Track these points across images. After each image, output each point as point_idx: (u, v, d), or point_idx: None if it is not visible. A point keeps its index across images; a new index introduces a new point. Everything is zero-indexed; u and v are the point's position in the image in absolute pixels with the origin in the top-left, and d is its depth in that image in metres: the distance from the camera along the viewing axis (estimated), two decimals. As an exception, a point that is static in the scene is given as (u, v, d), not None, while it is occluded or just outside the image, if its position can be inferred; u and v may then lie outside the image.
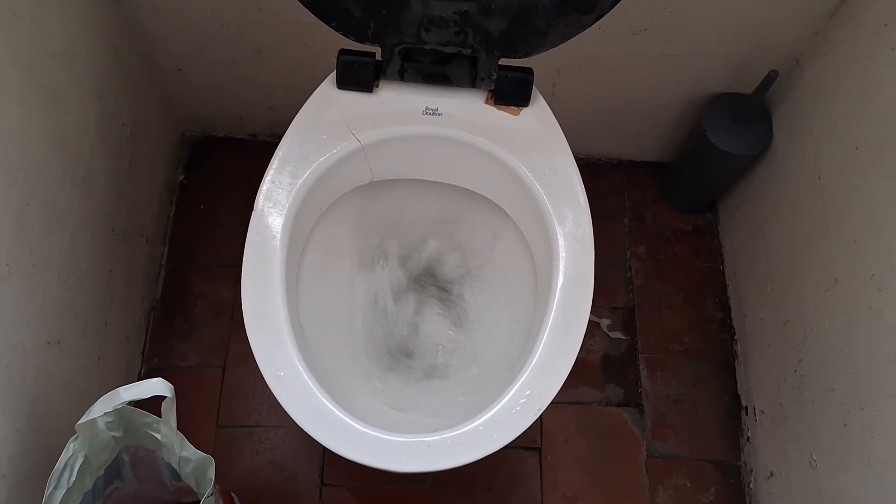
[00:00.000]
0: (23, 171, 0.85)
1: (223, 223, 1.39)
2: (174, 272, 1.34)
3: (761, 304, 1.26)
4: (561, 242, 0.86)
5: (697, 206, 1.45)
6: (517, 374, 0.81)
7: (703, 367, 1.34)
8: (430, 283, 1.11)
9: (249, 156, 1.44)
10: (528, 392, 0.80)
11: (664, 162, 1.49)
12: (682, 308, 1.38)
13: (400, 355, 1.07)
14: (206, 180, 1.42)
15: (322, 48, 1.12)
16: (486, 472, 1.24)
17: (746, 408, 1.28)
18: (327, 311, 1.00)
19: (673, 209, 1.46)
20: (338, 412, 0.76)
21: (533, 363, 0.81)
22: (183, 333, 1.29)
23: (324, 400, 0.77)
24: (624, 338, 1.35)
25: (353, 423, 0.76)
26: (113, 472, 0.89)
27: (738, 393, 1.31)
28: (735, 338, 1.35)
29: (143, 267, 1.26)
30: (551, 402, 1.13)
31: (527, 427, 0.79)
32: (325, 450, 1.22)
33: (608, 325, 1.35)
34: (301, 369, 0.78)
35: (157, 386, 0.76)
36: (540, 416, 1.23)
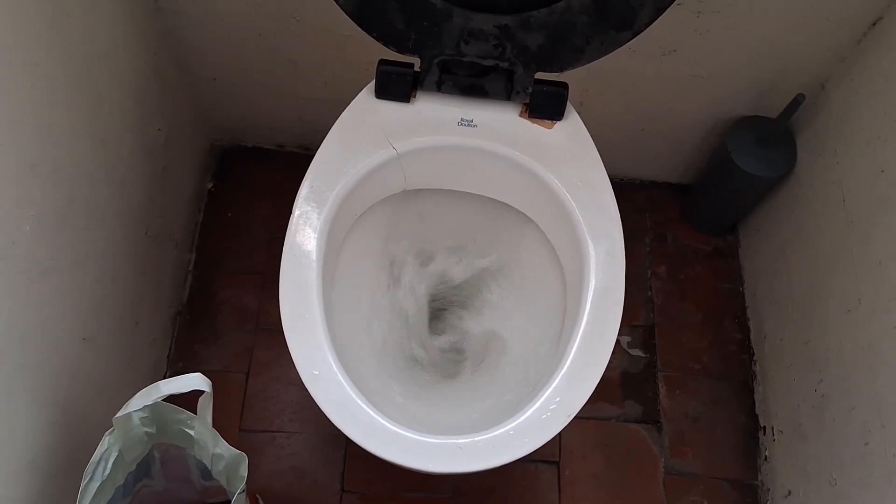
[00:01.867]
0: (69, 168, 0.87)
1: (249, 231, 1.41)
2: (200, 278, 1.36)
3: (782, 324, 1.27)
4: (592, 254, 0.88)
5: (719, 228, 1.46)
6: (547, 381, 0.82)
7: (722, 387, 1.34)
8: (458, 290, 1.12)
9: (277, 166, 1.46)
10: (558, 399, 0.81)
11: (686, 184, 1.50)
12: (702, 328, 1.39)
13: (427, 361, 1.08)
14: (234, 189, 1.44)
15: (356, 60, 1.15)
16: (504, 483, 1.24)
17: (764, 427, 1.29)
18: (359, 316, 1.01)
19: (694, 230, 1.47)
20: (372, 412, 0.77)
21: (563, 371, 0.82)
22: (207, 339, 1.31)
23: (358, 400, 0.78)
24: (643, 356, 1.36)
25: (386, 423, 0.77)
26: (143, 468, 0.90)
27: (757, 413, 1.32)
28: (754, 358, 1.36)
29: (171, 271, 1.28)
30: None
31: (556, 433, 0.80)
32: (345, 456, 1.23)
33: (628, 343, 1.36)
34: (336, 369, 0.79)
35: (196, 381, 0.78)
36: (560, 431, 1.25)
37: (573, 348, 0.83)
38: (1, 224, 0.73)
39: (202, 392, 0.81)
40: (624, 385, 1.33)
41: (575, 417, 1.21)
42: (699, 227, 1.47)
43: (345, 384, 0.79)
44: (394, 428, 0.77)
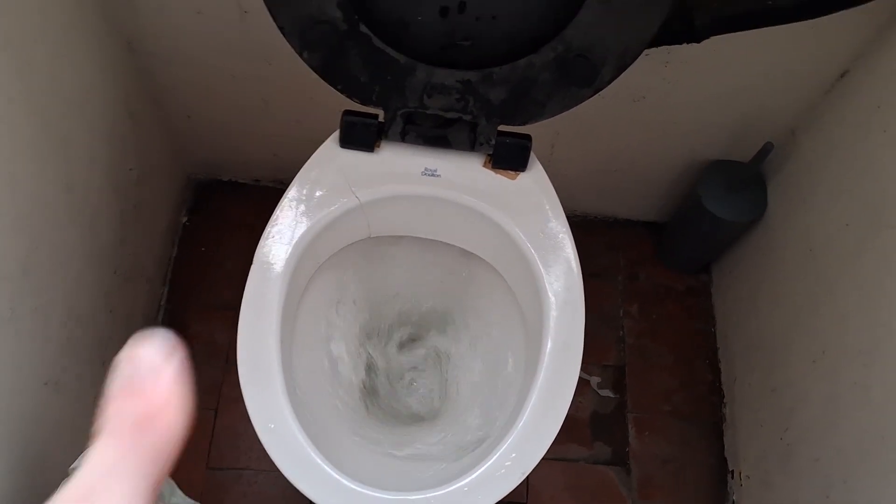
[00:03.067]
0: (32, 216, 0.87)
1: (223, 266, 1.41)
2: (172, 312, 1.36)
3: (751, 369, 1.27)
4: (552, 307, 0.88)
5: (691, 267, 1.47)
6: (503, 437, 0.82)
7: (692, 429, 1.35)
8: (420, 338, 1.13)
9: (253, 200, 1.47)
10: (513, 455, 0.81)
11: (660, 222, 1.51)
12: (673, 368, 1.40)
13: (390, 411, 1.08)
14: (209, 223, 1.45)
15: (327, 101, 1.14)
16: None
17: (733, 472, 1.29)
18: (320, 365, 1.01)
19: (667, 269, 1.48)
20: (325, 466, 0.78)
21: (519, 427, 0.82)
22: (177, 374, 1.30)
23: (312, 454, 0.78)
24: (613, 396, 1.36)
25: (340, 478, 0.77)
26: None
27: (725, 456, 1.32)
28: (724, 401, 1.36)
29: (142, 307, 1.28)
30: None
31: (511, 490, 0.80)
32: (312, 497, 1.23)
33: (598, 383, 1.36)
34: (292, 422, 0.80)
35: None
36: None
37: (529, 404, 0.83)
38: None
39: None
40: (594, 426, 1.33)
41: (544, 458, 1.21)
42: (672, 266, 1.48)
43: (300, 437, 0.79)
44: (346, 483, 0.77)
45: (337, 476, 0.77)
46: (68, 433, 0.99)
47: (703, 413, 1.36)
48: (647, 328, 1.42)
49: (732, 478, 1.28)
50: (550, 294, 0.89)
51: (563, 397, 0.84)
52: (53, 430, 0.96)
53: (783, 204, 1.21)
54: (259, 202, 1.45)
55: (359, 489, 0.77)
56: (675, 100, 1.15)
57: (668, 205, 1.45)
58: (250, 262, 1.38)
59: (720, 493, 1.30)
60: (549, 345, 0.86)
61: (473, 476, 0.79)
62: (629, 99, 1.15)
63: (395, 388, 1.13)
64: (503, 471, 0.80)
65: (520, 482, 0.80)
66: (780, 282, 1.20)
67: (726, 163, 1.28)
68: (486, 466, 0.80)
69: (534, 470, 1.27)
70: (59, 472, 0.84)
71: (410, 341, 1.13)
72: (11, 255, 0.83)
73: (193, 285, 1.39)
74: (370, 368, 1.08)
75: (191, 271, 1.40)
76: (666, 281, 1.47)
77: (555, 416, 0.83)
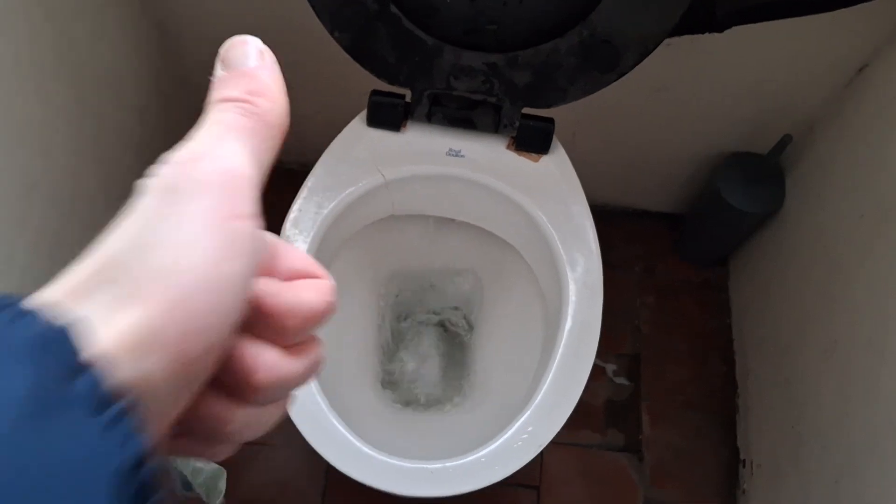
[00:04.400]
0: (67, 188, 0.90)
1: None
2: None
3: (764, 361, 1.28)
4: (571, 287, 0.90)
5: (709, 260, 1.48)
6: (521, 411, 0.84)
7: (705, 419, 1.36)
8: (439, 317, 1.15)
9: (273, 181, 1.47)
10: (530, 429, 0.83)
11: (677, 213, 1.52)
12: (688, 359, 1.41)
13: (405, 387, 1.10)
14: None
15: (354, 85, 1.17)
16: (480, 500, 1.26)
17: (744, 461, 1.30)
18: (341, 339, 1.03)
19: (684, 261, 1.49)
20: (346, 433, 0.80)
21: (536, 402, 0.84)
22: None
23: (333, 420, 0.80)
24: (628, 384, 1.37)
25: (360, 445, 0.79)
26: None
27: (738, 446, 1.33)
28: (738, 392, 1.37)
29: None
30: (552, 442, 1.17)
31: (526, 462, 0.82)
32: (328, 472, 1.25)
33: (613, 371, 1.38)
34: (314, 389, 0.82)
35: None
36: (541, 456, 1.27)
37: (548, 380, 0.85)
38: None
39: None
40: (608, 413, 1.35)
41: (558, 443, 1.23)
42: (689, 258, 1.49)
43: (321, 402, 0.81)
44: (366, 450, 0.79)
45: (357, 442, 0.79)
46: None
47: (717, 404, 1.37)
48: (663, 319, 1.44)
49: (744, 467, 1.30)
50: (570, 274, 0.91)
51: (579, 376, 0.86)
52: None
53: (800, 197, 1.22)
54: (280, 183, 1.46)
55: (378, 456, 0.79)
56: (695, 90, 1.17)
57: (686, 197, 1.47)
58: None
59: (731, 482, 1.31)
60: (567, 324, 0.88)
61: (491, 447, 0.81)
62: (650, 88, 1.17)
63: (411, 367, 1.15)
64: (520, 443, 0.82)
65: (535, 455, 0.82)
66: (794, 274, 1.21)
67: (745, 155, 1.29)
68: (503, 439, 0.82)
69: (547, 454, 1.29)
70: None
71: (429, 320, 1.15)
72: (48, 225, 0.86)
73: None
74: (388, 346, 1.10)
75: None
76: (683, 273, 1.49)
77: (571, 394, 0.85)
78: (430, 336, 1.17)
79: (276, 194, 1.45)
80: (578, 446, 1.32)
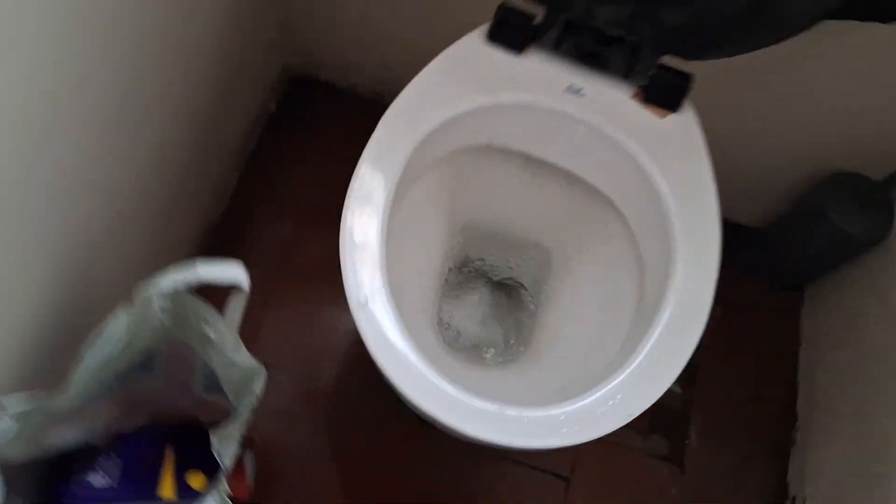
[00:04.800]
0: (148, 39, 0.82)
1: (300, 165, 1.35)
2: (241, 197, 1.31)
3: (838, 395, 1.19)
4: (682, 258, 0.81)
5: (784, 282, 1.38)
6: (611, 375, 0.75)
7: (756, 446, 1.26)
8: (522, 264, 1.05)
9: (344, 106, 1.40)
10: (619, 396, 0.74)
11: (757, 227, 1.42)
12: (748, 380, 1.31)
13: (471, 341, 1.01)
14: (296, 119, 1.39)
15: (460, 12, 1.09)
16: (505, 485, 1.17)
17: (794, 498, 1.20)
18: (408, 264, 0.94)
19: (755, 277, 1.39)
20: (418, 358, 0.71)
21: (633, 367, 0.75)
22: (233, 258, 1.25)
23: (404, 341, 0.72)
24: (681, 392, 1.28)
25: (432, 374, 0.70)
26: (145, 363, 0.83)
27: (787, 481, 1.23)
28: (797, 424, 1.27)
29: (214, 180, 1.22)
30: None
31: (610, 431, 0.72)
32: (339, 416, 1.16)
33: (668, 375, 1.28)
34: (386, 302, 0.73)
35: (237, 272, 0.71)
36: (576, 447, 1.18)
37: (647, 346, 0.76)
38: (77, 61, 0.68)
39: (231, 291, 0.75)
40: (655, 417, 1.25)
41: (597, 440, 1.13)
42: (763, 276, 1.39)
43: (394, 322, 0.73)
44: (438, 380, 0.70)
45: (428, 370, 0.71)
46: (122, 270, 0.94)
47: (772, 433, 1.27)
48: (728, 333, 1.34)
49: (793, 503, 1.20)
50: (683, 245, 0.81)
51: (682, 352, 0.77)
52: (113, 259, 0.91)
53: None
54: (350, 110, 1.40)
55: (449, 389, 0.70)
56: (819, 94, 1.07)
57: (771, 210, 1.37)
58: (326, 168, 1.33)
59: (774, 516, 1.21)
60: (674, 296, 0.79)
61: (572, 407, 0.72)
62: (775, 80, 1.07)
63: (472, 320, 1.06)
64: (605, 408, 0.73)
65: (621, 426, 0.73)
66: (889, 310, 1.12)
67: (853, 176, 1.19)
68: (588, 400, 0.73)
69: (584, 448, 1.20)
70: (107, 304, 0.78)
71: (511, 265, 1.06)
72: (119, 74, 0.77)
73: (267, 176, 1.33)
74: (456, 289, 1.01)
75: (267, 162, 1.35)
76: (754, 290, 1.39)
77: (672, 363, 0.76)
78: (492, 285, 1.08)
79: (340, 121, 1.37)
80: (618, 445, 1.22)
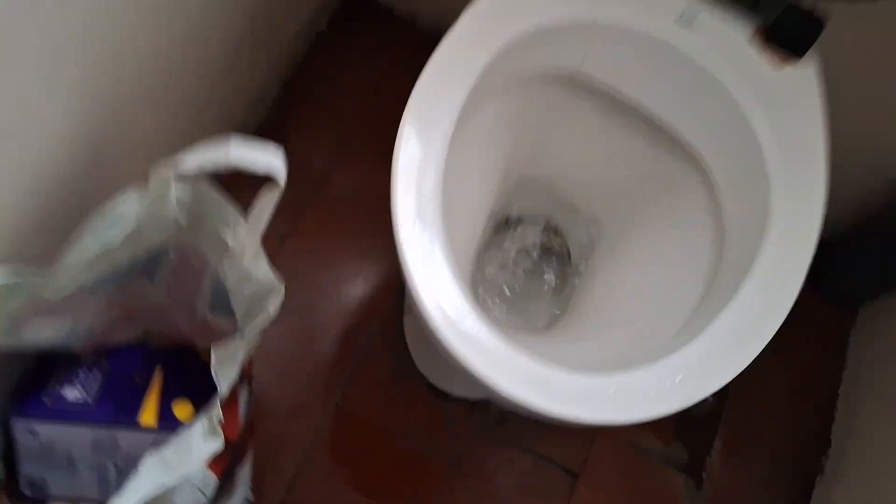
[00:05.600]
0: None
1: (342, 93, 1.24)
2: (277, 119, 1.19)
3: (879, 423, 1.07)
4: (776, 226, 0.69)
5: (843, 299, 1.27)
6: (671, 350, 0.63)
7: (781, 471, 1.15)
8: (587, 222, 0.94)
9: (399, 37, 1.28)
10: (679, 376, 0.62)
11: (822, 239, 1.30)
12: (783, 399, 1.20)
13: (505, 297, 0.90)
14: (345, 43, 1.27)
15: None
16: (512, 472, 1.06)
17: (816, 529, 1.09)
18: (457, 203, 0.82)
19: (814, 290, 1.27)
20: (468, 306, 0.59)
21: (699, 345, 0.63)
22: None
23: (451, 276, 0.60)
24: (711, 401, 1.16)
25: (484, 329, 0.59)
26: (149, 266, 0.72)
27: (813, 511, 1.12)
28: (828, 453, 1.16)
29: (253, 88, 1.09)
30: (606, 435, 0.95)
31: (664, 415, 0.61)
32: (352, 375, 1.05)
33: (700, 379, 1.17)
34: (439, 232, 0.62)
35: (274, 160, 0.60)
36: (590, 443, 1.06)
37: (722, 325, 0.65)
38: None
39: (260, 196, 0.64)
40: (679, 423, 1.14)
41: (613, 437, 1.02)
42: (821, 289, 1.27)
43: (439, 247, 0.61)
44: (481, 328, 0.59)
45: (481, 325, 0.59)
46: (145, 146, 0.83)
47: (799, 459, 1.16)
48: (772, 345, 1.22)
49: (814, 536, 1.09)
50: (779, 212, 0.70)
51: (767, 325, 0.67)
52: (136, 130, 0.80)
53: None
54: (406, 42, 1.28)
55: (502, 347, 0.59)
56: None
57: (841, 222, 1.24)
58: (372, 98, 1.21)
59: (793, 548, 1.10)
60: (761, 270, 0.67)
61: (625, 377, 0.61)
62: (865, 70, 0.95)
63: (510, 283, 0.94)
64: (660, 388, 0.61)
65: (680, 409, 0.61)
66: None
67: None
68: (643, 373, 0.61)
69: (598, 445, 1.09)
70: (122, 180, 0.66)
71: (574, 221, 0.94)
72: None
73: (307, 98, 1.22)
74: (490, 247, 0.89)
75: (309, 83, 1.23)
76: (809, 302, 1.26)
77: (748, 346, 0.65)
78: (537, 245, 0.96)
79: (392, 53, 1.25)
80: (635, 448, 1.11)
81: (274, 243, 1.10)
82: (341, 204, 1.15)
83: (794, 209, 0.70)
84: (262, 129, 1.18)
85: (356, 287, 1.11)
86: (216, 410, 0.62)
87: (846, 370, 1.23)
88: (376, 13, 1.29)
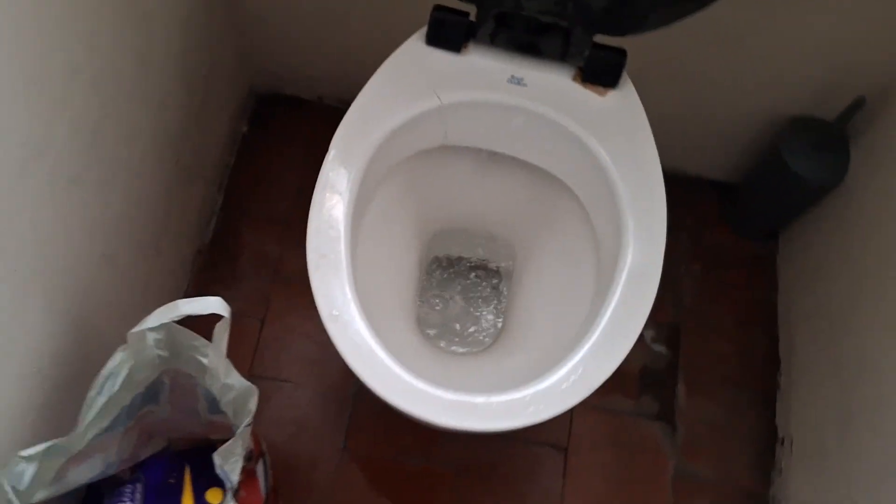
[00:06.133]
0: (108, 80, 0.85)
1: (278, 180, 1.39)
2: (225, 220, 1.35)
3: (814, 337, 1.23)
4: (631, 230, 0.84)
5: (760, 232, 1.42)
6: (571, 353, 0.79)
7: (743, 395, 1.30)
8: (486, 254, 1.09)
9: (313, 118, 1.44)
10: (580, 371, 0.78)
11: (729, 182, 1.46)
12: (730, 333, 1.35)
13: (447, 329, 1.05)
14: (268, 136, 1.43)
15: (412, 16, 1.11)
16: (508, 462, 1.22)
17: (783, 439, 1.24)
18: (382, 270, 0.98)
19: (733, 232, 1.43)
20: (389, 360, 0.75)
21: (590, 343, 0.79)
22: (226, 280, 1.29)
23: (376, 346, 0.76)
24: (666, 353, 1.32)
25: (402, 372, 0.75)
26: (150, 394, 0.88)
27: (776, 424, 1.27)
28: (780, 370, 1.32)
29: (197, 208, 1.26)
30: (583, 404, 1.11)
31: (574, 404, 0.76)
32: (351, 416, 1.21)
33: (651, 338, 1.33)
34: (356, 311, 0.77)
35: (215, 304, 0.76)
36: (570, 418, 1.22)
37: (602, 322, 0.80)
38: (38, 121, 0.72)
39: (219, 321, 0.79)
40: (643, 380, 1.30)
41: (589, 406, 1.18)
42: (739, 230, 1.42)
43: (364, 327, 0.76)
44: (408, 378, 0.74)
45: (399, 370, 0.75)
46: (119, 311, 0.98)
47: (757, 380, 1.32)
48: (707, 289, 1.38)
49: (782, 445, 1.24)
50: (630, 216, 0.85)
51: (636, 319, 0.80)
52: (107, 304, 0.95)
53: (868, 167, 1.15)
54: (320, 120, 1.42)
55: (420, 384, 0.74)
56: (768, 45, 1.10)
57: (740, 164, 1.40)
58: (305, 179, 1.36)
59: (767, 461, 1.25)
60: (626, 266, 0.83)
61: (539, 387, 0.76)
62: (719, 39, 1.10)
63: (451, 305, 1.10)
64: (569, 384, 0.77)
65: (584, 397, 0.77)
66: (853, 249, 1.15)
67: (810, 119, 1.22)
68: (553, 379, 0.77)
69: (577, 416, 1.24)
70: (108, 346, 0.82)
71: (476, 255, 1.10)
72: (84, 118, 0.81)
73: (248, 195, 1.37)
74: (427, 281, 1.05)
75: (246, 181, 1.38)
76: (731, 244, 1.42)
77: (627, 334, 0.79)
78: (466, 278, 1.12)
79: (313, 131, 1.41)
80: (610, 411, 1.27)
81: (255, 328, 1.26)
82: (300, 278, 1.30)
83: (641, 210, 0.85)
84: (216, 237, 1.33)
85: (332, 347, 1.27)
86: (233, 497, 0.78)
87: (779, 293, 1.38)
88: (287, 102, 1.45)
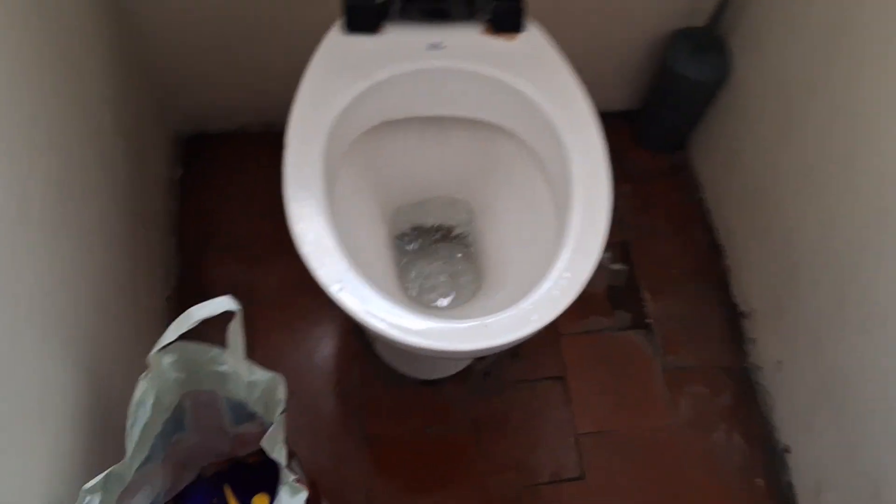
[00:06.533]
0: (62, 132, 0.90)
1: (225, 211, 1.43)
2: (187, 261, 1.38)
3: (744, 217, 1.36)
4: (573, 146, 0.94)
5: (670, 145, 1.55)
6: (553, 262, 0.87)
7: (700, 285, 1.43)
8: (450, 208, 1.17)
9: (241, 147, 1.49)
10: (567, 274, 0.86)
11: (632, 109, 1.58)
12: (672, 236, 1.47)
13: (435, 295, 1.12)
14: (204, 174, 1.47)
15: (315, 28, 1.18)
16: (518, 408, 1.29)
17: (744, 312, 1.37)
18: (360, 252, 1.04)
19: (648, 151, 1.56)
20: (401, 308, 0.82)
21: (569, 248, 0.87)
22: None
23: (384, 300, 0.82)
24: (624, 268, 1.43)
25: (415, 315, 0.81)
26: (176, 420, 0.92)
27: (735, 302, 1.40)
28: (724, 253, 1.44)
29: (158, 255, 1.29)
30: (567, 334, 1.20)
31: (570, 303, 0.84)
32: (362, 405, 1.26)
33: (608, 259, 1.43)
34: (356, 278, 0.83)
35: (225, 302, 0.80)
36: (560, 348, 1.30)
37: (572, 229, 0.88)
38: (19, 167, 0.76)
39: (229, 326, 0.84)
40: (611, 298, 1.40)
41: (572, 334, 1.26)
42: (652, 147, 1.55)
43: (369, 288, 0.83)
44: (422, 319, 0.81)
45: (412, 314, 0.81)
46: (121, 358, 1.01)
47: (707, 269, 1.44)
48: (641, 205, 1.50)
49: (746, 318, 1.36)
50: (570, 142, 0.94)
51: (601, 213, 0.90)
52: (110, 353, 0.98)
53: (746, 54, 1.29)
54: (249, 147, 1.49)
55: (434, 323, 0.81)
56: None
57: (638, 89, 1.52)
58: (250, 204, 1.42)
59: (737, 335, 1.37)
60: (579, 176, 0.92)
61: (535, 297, 0.84)
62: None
63: (425, 276, 1.17)
64: (559, 290, 0.84)
65: (578, 294, 0.85)
66: (755, 128, 1.29)
67: (688, 29, 1.35)
68: (545, 287, 0.85)
69: (565, 345, 1.33)
70: (123, 389, 0.85)
71: (441, 211, 1.18)
72: (52, 163, 0.85)
73: (201, 234, 1.41)
74: (397, 247, 1.11)
75: (196, 221, 1.42)
76: (649, 161, 1.55)
77: (597, 230, 0.89)
78: (438, 244, 1.19)
79: (244, 159, 1.46)
80: (591, 333, 1.37)
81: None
82: (275, 300, 1.35)
83: (577, 133, 0.94)
84: (184, 275, 1.37)
85: (325, 350, 1.32)
86: (288, 477, 0.83)
87: (704, 191, 1.51)
88: (213, 139, 1.50)
